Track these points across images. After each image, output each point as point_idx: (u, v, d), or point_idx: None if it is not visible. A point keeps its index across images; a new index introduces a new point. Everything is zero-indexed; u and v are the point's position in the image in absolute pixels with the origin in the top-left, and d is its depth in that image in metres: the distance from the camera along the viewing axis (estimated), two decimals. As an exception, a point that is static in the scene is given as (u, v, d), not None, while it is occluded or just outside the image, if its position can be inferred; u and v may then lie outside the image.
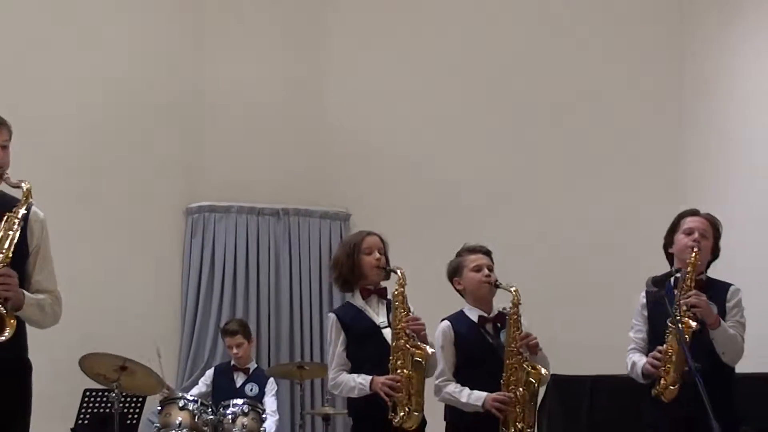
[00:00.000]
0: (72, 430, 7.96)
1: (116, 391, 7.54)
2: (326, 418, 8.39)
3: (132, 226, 9.39)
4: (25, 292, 5.14)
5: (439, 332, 6.08)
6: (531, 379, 5.86)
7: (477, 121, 10.04)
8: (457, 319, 6.13)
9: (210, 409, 7.88)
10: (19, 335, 5.26)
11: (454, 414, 6.02)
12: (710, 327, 5.76)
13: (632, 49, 10.08)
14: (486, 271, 6.10)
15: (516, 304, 5.95)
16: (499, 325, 6.07)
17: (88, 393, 7.95)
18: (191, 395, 8.07)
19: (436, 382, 6.05)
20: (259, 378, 8.57)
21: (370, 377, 5.78)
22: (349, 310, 6.06)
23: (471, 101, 10.05)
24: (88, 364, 7.61)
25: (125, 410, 7.98)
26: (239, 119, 9.85)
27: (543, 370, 5.90)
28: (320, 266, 9.85)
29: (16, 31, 9.19)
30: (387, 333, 5.88)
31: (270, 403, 8.42)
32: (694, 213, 6.15)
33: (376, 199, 9.85)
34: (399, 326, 5.77)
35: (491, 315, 6.12)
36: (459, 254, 6.24)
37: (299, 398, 8.69)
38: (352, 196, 9.98)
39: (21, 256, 5.19)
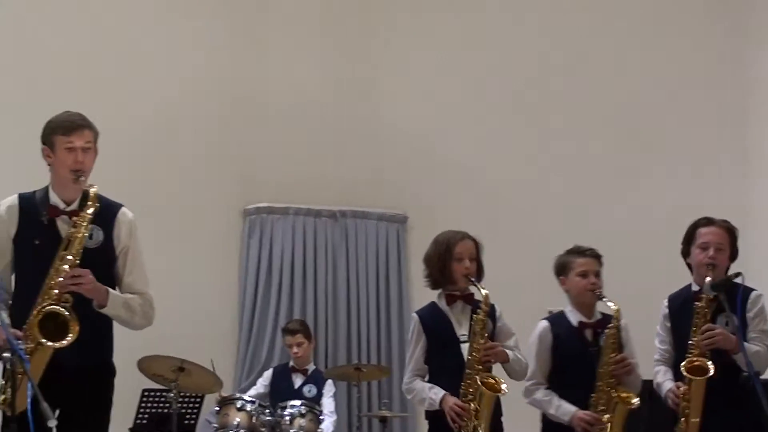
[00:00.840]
0: (130, 429, 8.01)
1: (174, 391, 7.58)
2: (383, 420, 8.37)
3: (190, 228, 9.42)
4: (110, 290, 5.22)
5: (536, 333, 6.03)
6: (619, 410, 5.78)
7: (536, 122, 10.01)
8: (558, 322, 6.06)
9: (268, 410, 7.90)
10: (105, 339, 5.35)
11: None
12: (731, 353, 5.67)
13: (699, 47, 10.08)
14: (592, 278, 5.98)
15: (616, 326, 5.85)
16: (599, 330, 5.97)
17: (146, 393, 7.99)
18: (249, 396, 8.11)
19: (527, 384, 6.00)
20: (317, 379, 8.58)
21: (442, 393, 5.70)
22: (434, 313, 5.94)
23: (532, 101, 10.01)
24: (146, 365, 7.66)
25: (183, 410, 8.01)
26: (296, 121, 9.84)
27: (635, 400, 5.81)
28: (377, 268, 9.82)
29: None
30: (465, 348, 5.78)
31: (328, 404, 8.42)
32: (708, 223, 6.00)
33: (434, 201, 9.81)
34: (474, 354, 5.68)
35: (592, 320, 6.03)
36: (568, 252, 6.11)
37: (356, 400, 8.68)
38: (411, 198, 9.94)
39: (108, 259, 5.31)
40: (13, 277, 5.34)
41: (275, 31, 9.92)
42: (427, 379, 5.88)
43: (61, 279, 5.02)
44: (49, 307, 4.99)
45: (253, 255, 9.65)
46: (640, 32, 10.20)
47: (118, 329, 5.43)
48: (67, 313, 4.99)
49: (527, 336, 6.13)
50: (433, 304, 6.00)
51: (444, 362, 5.82)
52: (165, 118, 9.42)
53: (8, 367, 4.66)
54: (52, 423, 4.53)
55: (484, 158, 9.94)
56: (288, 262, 9.68)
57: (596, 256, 6.07)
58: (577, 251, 6.07)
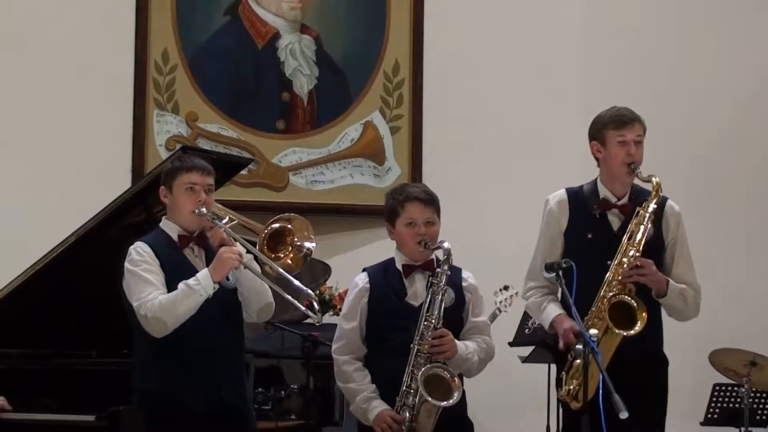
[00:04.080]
0: (701, 424, 8.00)
1: (746, 386, 7.50)
2: None
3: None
4: (669, 280, 5.36)
5: None
6: None
7: None
8: None
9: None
10: (658, 330, 5.45)
11: None
12: None
13: None
14: None
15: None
16: None
17: (717, 388, 7.96)
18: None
19: None
20: None
21: None
22: None
23: None
24: (717, 358, 7.64)
25: (755, 406, 7.88)
26: None
27: None
28: None
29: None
30: None
31: None
32: None
33: None
34: None
35: None
36: None
37: None
38: None
39: (658, 250, 5.42)
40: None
41: None
42: None
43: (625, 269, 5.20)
44: (618, 297, 5.18)
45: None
46: None
47: (690, 324, 5.51)
48: (634, 303, 5.16)
49: None
50: None
51: None
52: (736, 117, 9.24)
53: (580, 359, 4.86)
54: (624, 415, 4.66)
55: None
56: None
57: None
58: None
